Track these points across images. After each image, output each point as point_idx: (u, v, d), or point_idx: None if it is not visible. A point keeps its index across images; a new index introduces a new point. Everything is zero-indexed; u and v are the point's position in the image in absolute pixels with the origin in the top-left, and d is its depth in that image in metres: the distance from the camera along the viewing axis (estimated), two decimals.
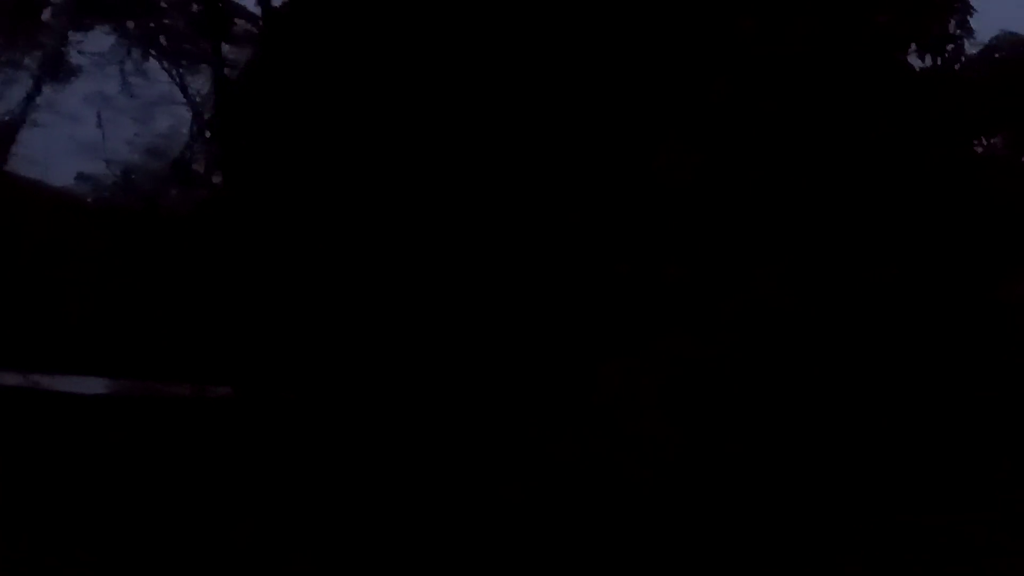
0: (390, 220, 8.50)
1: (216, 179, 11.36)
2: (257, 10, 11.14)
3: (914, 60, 9.64)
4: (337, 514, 7.77)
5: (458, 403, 8.05)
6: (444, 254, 8.07)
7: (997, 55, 9.55)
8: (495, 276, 7.70)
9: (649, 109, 7.89)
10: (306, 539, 7.57)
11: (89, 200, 12.57)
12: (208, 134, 11.81)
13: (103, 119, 12.69)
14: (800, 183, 7.34)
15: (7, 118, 12.44)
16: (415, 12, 8.55)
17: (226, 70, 11.47)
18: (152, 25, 12.71)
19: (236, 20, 11.69)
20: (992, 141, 9.41)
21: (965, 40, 9.47)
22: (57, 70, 12.84)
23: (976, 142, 9.30)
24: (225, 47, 12.08)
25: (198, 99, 12.44)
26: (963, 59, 9.51)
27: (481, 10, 8.56)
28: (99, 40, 12.77)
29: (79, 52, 12.84)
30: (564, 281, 7.50)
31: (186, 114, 12.69)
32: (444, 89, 8.50)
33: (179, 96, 12.70)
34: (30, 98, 12.56)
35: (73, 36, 12.81)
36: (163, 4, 12.43)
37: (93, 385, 9.83)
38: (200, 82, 12.59)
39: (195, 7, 12.10)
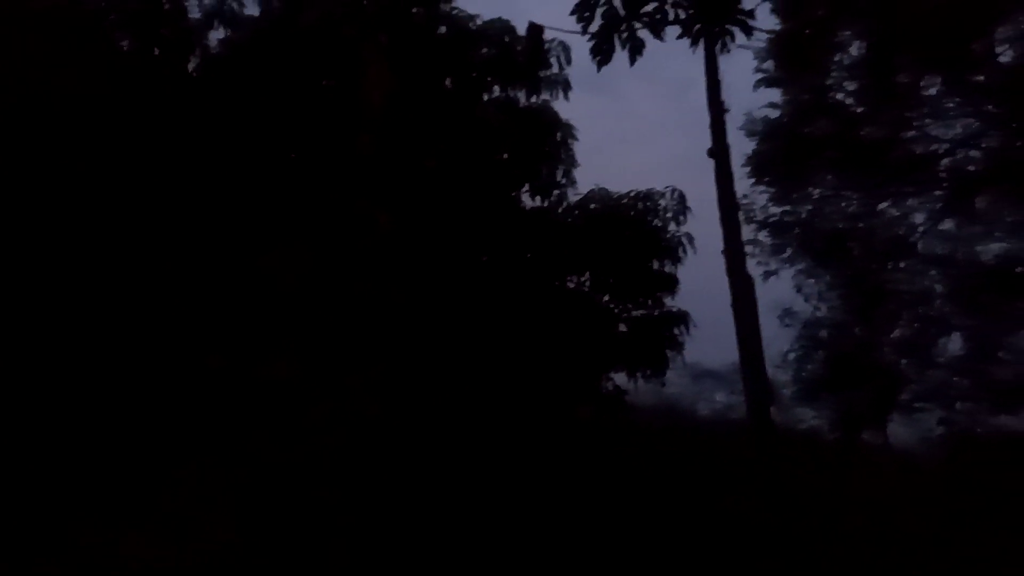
0: None
1: None
2: None
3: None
4: None
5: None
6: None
7: (592, 206, 10.99)
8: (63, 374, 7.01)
9: (264, 208, 7.90)
10: None
11: None
12: None
13: None
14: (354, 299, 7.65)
15: None
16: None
17: None
18: None
19: None
20: (581, 279, 10.73)
21: (569, 188, 10.87)
22: None
23: (568, 278, 10.55)
24: None
25: None
26: (565, 204, 10.86)
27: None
28: None
29: None
30: (144, 374, 7.04)
31: None
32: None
33: None
34: None
35: None
36: None
37: None
38: None
39: None
